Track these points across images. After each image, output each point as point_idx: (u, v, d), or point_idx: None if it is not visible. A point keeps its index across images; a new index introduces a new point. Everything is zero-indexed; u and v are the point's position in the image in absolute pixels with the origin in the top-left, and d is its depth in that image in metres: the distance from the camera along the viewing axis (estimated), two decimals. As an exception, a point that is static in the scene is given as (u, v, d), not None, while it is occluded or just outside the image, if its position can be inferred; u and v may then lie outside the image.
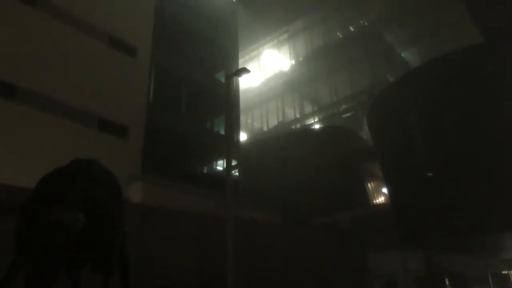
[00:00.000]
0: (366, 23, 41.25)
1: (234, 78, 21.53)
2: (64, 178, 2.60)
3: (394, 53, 40.02)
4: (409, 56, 40.73)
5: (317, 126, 40.42)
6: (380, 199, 30.85)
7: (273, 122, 44.83)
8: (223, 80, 25.03)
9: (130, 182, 14.47)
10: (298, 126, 42.73)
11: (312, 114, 42.90)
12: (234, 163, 23.91)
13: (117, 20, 18.02)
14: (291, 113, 44.33)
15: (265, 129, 45.28)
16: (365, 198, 28.96)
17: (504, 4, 15.77)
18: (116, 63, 17.34)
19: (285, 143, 30.11)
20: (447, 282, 20.32)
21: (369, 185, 30.69)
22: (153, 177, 15.58)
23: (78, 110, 15.08)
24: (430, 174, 19.78)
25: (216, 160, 25.47)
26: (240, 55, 31.02)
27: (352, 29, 42.49)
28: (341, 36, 42.78)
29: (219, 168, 25.66)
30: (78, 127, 14.87)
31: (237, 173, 25.39)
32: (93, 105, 15.61)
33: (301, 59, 44.49)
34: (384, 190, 29.69)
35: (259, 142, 35.65)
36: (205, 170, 25.72)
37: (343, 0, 41.12)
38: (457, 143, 17.85)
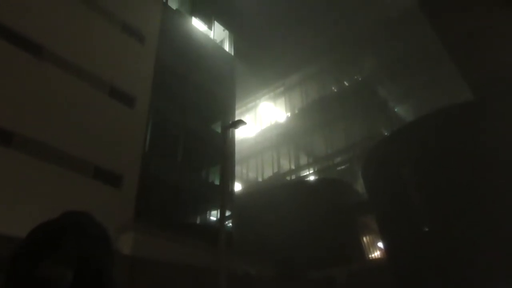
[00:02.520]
0: (360, 78, 42.53)
1: (231, 129, 21.88)
2: (54, 232, 2.57)
3: (388, 107, 40.95)
4: (403, 110, 41.69)
5: (312, 178, 40.41)
6: (376, 254, 30.25)
7: (268, 173, 44.82)
8: (219, 130, 25.39)
9: (121, 232, 14.23)
10: (293, 177, 42.71)
11: (307, 166, 43.03)
12: (228, 213, 23.67)
13: (117, 71, 18.52)
14: (286, 164, 44.44)
15: (260, 179, 45.17)
16: (360, 252, 28.41)
17: (491, 62, 16.42)
18: (114, 112, 17.63)
19: (280, 194, 29.95)
20: None
21: (364, 239, 30.22)
22: (145, 227, 15.35)
23: (73, 157, 15.12)
24: (426, 229, 19.63)
25: (210, 210, 25.22)
26: (237, 106, 31.64)
27: (346, 83, 43.73)
28: (335, 90, 43.93)
29: (213, 218, 25.34)
30: (72, 175, 14.82)
31: (230, 224, 25.04)
32: (88, 153, 15.66)
33: (296, 111, 45.34)
34: (380, 244, 29.19)
35: (254, 193, 35.40)
36: (198, 220, 25.37)
37: (337, 57, 42.64)
38: (452, 197, 17.87)
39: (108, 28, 19.00)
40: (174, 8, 26.34)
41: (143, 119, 18.96)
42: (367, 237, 30.43)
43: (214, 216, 25.22)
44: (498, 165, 16.94)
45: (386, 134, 35.99)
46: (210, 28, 29.73)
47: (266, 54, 43.81)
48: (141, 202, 16.84)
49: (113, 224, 13.85)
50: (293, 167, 43.88)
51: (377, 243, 30.42)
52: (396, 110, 41.84)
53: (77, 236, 2.58)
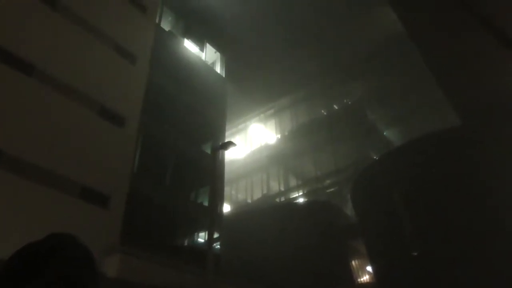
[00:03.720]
0: (349, 102, 43.09)
1: (221, 150, 21.85)
2: (39, 255, 2.52)
3: (377, 131, 41.39)
4: (391, 134, 42.16)
5: (301, 200, 40.32)
6: (365, 278, 30.00)
7: (258, 194, 44.64)
8: (209, 151, 25.34)
9: (107, 254, 13.95)
10: (282, 199, 42.58)
11: (296, 188, 43.00)
12: (216, 235, 23.39)
13: (108, 90, 18.50)
14: (275, 186, 44.36)
15: (249, 201, 44.94)
16: (349, 276, 28.16)
17: (478, 89, 16.76)
18: (104, 132, 17.52)
19: (269, 216, 29.78)
20: None
21: (353, 262, 30.02)
22: (132, 249, 15.07)
23: (60, 177, 14.90)
24: (415, 254, 19.59)
25: (198, 232, 24.91)
26: (227, 127, 31.71)
27: (336, 107, 44.24)
28: (325, 113, 44.38)
29: (201, 240, 25.01)
30: (58, 195, 14.58)
31: (219, 246, 24.73)
32: (75, 173, 15.46)
33: (286, 133, 45.57)
34: (369, 268, 29.00)
35: (243, 214, 35.15)
36: (186, 242, 25.00)
37: (327, 81, 43.24)
38: (441, 222, 17.95)
39: (100, 47, 19.08)
40: (167, 30, 26.64)
41: (133, 139, 18.84)
42: (356, 261, 30.24)
43: (202, 238, 24.91)
44: (485, 190, 17.12)
45: (375, 157, 36.25)
46: (202, 50, 30.04)
47: (257, 77, 44.24)
48: (128, 224, 16.58)
49: (99, 246, 13.59)
50: (282, 189, 43.81)
51: (365, 267, 30.21)
52: (385, 134, 42.30)
53: (62, 259, 2.53)
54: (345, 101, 43.69)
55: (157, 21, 24.78)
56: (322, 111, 44.74)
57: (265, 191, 44.07)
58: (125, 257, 14.32)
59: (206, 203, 24.19)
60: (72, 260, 2.55)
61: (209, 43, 31.00)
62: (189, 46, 28.42)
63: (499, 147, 17.44)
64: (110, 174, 16.79)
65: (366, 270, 30.22)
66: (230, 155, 43.62)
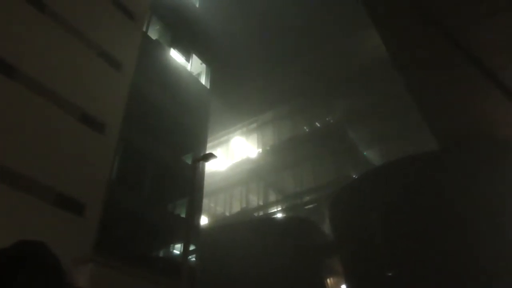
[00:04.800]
0: (331, 121, 43.58)
1: (201, 162, 21.72)
2: (6, 263, 2.44)
3: (357, 151, 41.89)
4: (371, 155, 42.73)
5: (280, 215, 40.27)
6: (339, 297, 30.00)
7: (236, 207, 44.41)
8: (190, 162, 25.15)
9: (80, 263, 13.58)
10: (261, 213, 42.44)
11: (275, 203, 42.96)
12: (192, 248, 23.08)
13: (90, 95, 18.25)
14: (254, 200, 44.23)
15: (228, 214, 44.64)
16: (324, 294, 28.12)
17: (457, 115, 17.17)
18: (82, 138, 17.20)
19: (248, 231, 29.58)
20: None
21: (328, 280, 30.01)
22: (105, 259, 14.71)
23: (34, 181, 14.51)
24: (390, 274, 19.71)
25: (174, 244, 24.53)
26: (209, 139, 31.59)
27: (318, 124, 44.66)
28: (307, 130, 44.73)
29: (177, 252, 24.63)
30: (32, 200, 14.17)
31: (194, 259, 24.39)
32: (50, 178, 15.09)
33: (268, 148, 45.67)
34: (343, 287, 29.02)
35: (221, 227, 34.85)
36: (161, 254, 24.57)
37: (310, 98, 43.72)
38: (416, 243, 18.15)
39: (85, 52, 18.88)
40: (154, 38, 26.58)
41: (112, 147, 18.56)
42: (331, 279, 30.24)
43: (178, 250, 24.53)
44: (459, 216, 17.45)
45: (354, 176, 36.61)
46: (188, 60, 30.03)
47: (241, 90, 44.48)
48: (102, 233, 16.20)
49: (71, 254, 13.23)
50: (261, 203, 43.70)
51: (340, 285, 30.24)
52: (365, 154, 42.83)
53: (30, 268, 2.44)
54: (327, 119, 44.17)
55: (144, 29, 24.72)
56: (305, 127, 45.10)
57: (244, 205, 43.88)
58: (97, 267, 13.97)
59: (183, 215, 23.90)
60: (41, 268, 2.48)
61: (195, 54, 31.03)
62: (175, 56, 28.39)
63: (474, 174, 17.87)
64: (86, 181, 16.45)
65: (341, 288, 30.25)
66: (210, 167, 43.42)
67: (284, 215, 40.03)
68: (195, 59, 31.05)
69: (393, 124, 39.71)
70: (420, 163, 19.90)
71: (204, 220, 41.50)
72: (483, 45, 13.13)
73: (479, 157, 18.17)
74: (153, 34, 26.94)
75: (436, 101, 16.42)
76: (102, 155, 17.84)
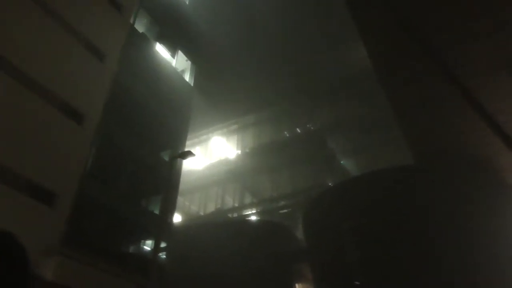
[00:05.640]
0: (312, 128, 43.94)
1: (179, 159, 21.58)
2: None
3: (335, 159, 42.33)
4: (348, 164, 43.25)
5: (254, 218, 40.32)
6: (307, 302, 30.21)
7: (211, 207, 44.24)
8: (167, 159, 24.94)
9: (47, 255, 13.26)
10: (235, 215, 42.41)
11: (250, 206, 42.99)
12: (163, 245, 22.88)
13: (71, 85, 17.91)
14: (230, 201, 44.17)
15: (202, 213, 44.43)
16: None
17: (435, 132, 17.55)
18: (60, 128, 16.84)
19: (221, 232, 29.50)
20: None
21: (297, 286, 30.19)
22: (73, 252, 14.42)
23: (5, 168, 14.11)
24: (358, 283, 19.97)
25: (145, 240, 24.26)
26: (189, 137, 31.40)
27: (299, 130, 44.95)
28: (288, 135, 44.97)
29: (148, 248, 24.35)
30: (1, 187, 13.75)
31: (164, 256, 24.17)
32: (22, 165, 14.70)
33: (247, 150, 45.70)
34: (312, 293, 29.28)
35: (194, 226, 34.66)
36: (131, 250, 24.25)
37: (293, 104, 43.99)
38: (385, 254, 18.45)
39: (68, 40, 18.52)
40: (141, 31, 26.28)
41: (89, 138, 18.22)
42: (300, 285, 30.43)
43: (149, 246, 24.26)
44: (428, 229, 17.85)
45: (330, 185, 37.00)
46: (173, 56, 29.83)
47: (225, 91, 44.39)
48: (73, 225, 15.87)
49: (40, 246, 12.92)
50: (236, 204, 43.67)
51: (309, 291, 30.49)
52: (342, 163, 43.31)
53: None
54: (308, 125, 44.52)
55: (131, 21, 24.42)
56: (285, 132, 45.34)
57: (219, 205, 43.76)
58: (65, 260, 13.67)
59: (157, 211, 23.66)
60: (6, 259, 2.45)
61: (181, 50, 30.83)
62: (161, 51, 28.15)
63: (446, 190, 18.33)
64: (60, 172, 16.11)
65: (309, 295, 30.46)
66: (188, 165, 43.14)
67: (259, 218, 40.09)
68: (180, 55, 30.84)
69: (373, 136, 40.31)
70: (395, 176, 20.29)
71: (177, 218, 41.19)
72: (463, 65, 13.52)
73: (452, 174, 18.65)
74: (140, 27, 26.64)
75: (415, 117, 16.78)
76: (78, 146, 17.50)
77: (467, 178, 18.46)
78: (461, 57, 13.34)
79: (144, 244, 24.89)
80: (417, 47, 12.88)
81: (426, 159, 19.09)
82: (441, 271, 16.95)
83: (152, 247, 21.87)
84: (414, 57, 13.50)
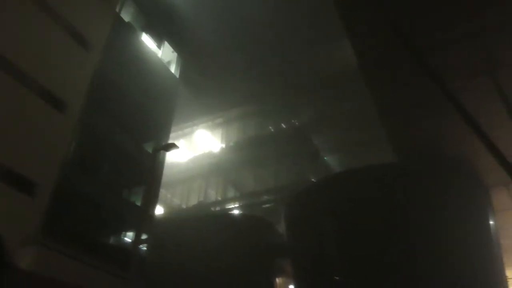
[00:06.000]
0: (297, 123, 44.06)
1: (162, 151, 21.44)
2: None
3: (319, 155, 42.61)
4: (332, 161, 43.61)
5: (236, 212, 40.39)
6: (286, 296, 30.51)
7: (194, 201, 44.12)
8: (150, 150, 24.76)
9: (26, 244, 13.05)
10: (218, 208, 42.39)
11: (233, 200, 43.00)
12: (144, 237, 22.77)
13: (53, 72, 17.56)
14: (213, 195, 44.12)
15: (184, 206, 44.28)
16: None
17: (418, 131, 17.81)
18: (41, 115, 16.51)
19: (203, 225, 29.45)
20: None
21: (277, 280, 30.40)
22: (51, 242, 14.22)
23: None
24: (337, 278, 20.22)
25: (126, 232, 24.09)
26: (173, 129, 31.18)
27: (284, 126, 45.05)
28: (272, 130, 45.02)
29: (128, 240, 24.20)
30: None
31: (145, 248, 24.07)
32: (1, 154, 14.37)
33: (231, 144, 45.62)
34: (291, 287, 29.54)
35: (176, 219, 34.55)
36: (111, 241, 24.06)
37: (278, 99, 44.00)
38: (365, 251, 18.73)
39: (52, 26, 18.11)
40: (126, 21, 25.89)
41: (71, 127, 17.91)
42: (280, 279, 30.66)
43: (129, 238, 24.12)
44: (411, 228, 18.17)
45: (313, 180, 37.27)
46: (159, 47, 29.51)
47: (211, 84, 44.12)
48: (53, 215, 15.63)
49: (18, 235, 12.71)
50: (219, 198, 43.64)
51: (288, 286, 30.74)
52: (326, 159, 43.63)
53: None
54: (293, 121, 44.62)
55: (117, 10, 24.03)
56: (270, 127, 45.38)
57: (201, 199, 43.67)
58: (44, 250, 13.48)
59: (139, 203, 23.51)
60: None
61: (168, 41, 30.52)
62: (147, 41, 27.81)
63: (425, 189, 18.66)
64: (40, 160, 15.83)
65: (289, 289, 30.76)
66: (171, 158, 42.84)
67: (241, 212, 40.17)
68: (167, 46, 30.54)
69: (357, 133, 40.68)
70: (377, 174, 20.52)
71: (160, 211, 40.98)
72: (447, 68, 13.75)
73: (432, 174, 18.98)
74: (126, 16, 26.25)
75: (398, 116, 17.00)
76: (59, 134, 17.20)
77: (446, 178, 18.82)
78: (445, 59, 13.55)
79: (125, 236, 24.72)
80: (402, 47, 13.02)
81: (408, 158, 19.38)
82: (416, 268, 17.31)
83: (133, 239, 21.74)
84: (400, 57, 13.65)
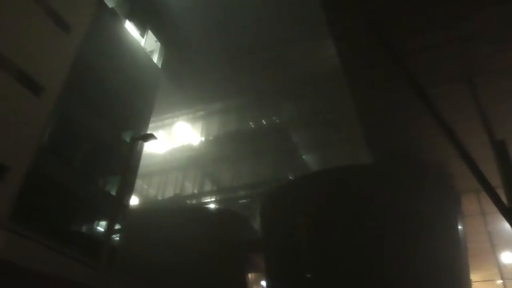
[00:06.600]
0: (277, 120, 44.22)
1: (140, 141, 21.19)
2: None
3: (297, 153, 42.90)
4: (310, 159, 43.95)
5: (212, 206, 40.35)
6: (258, 292, 30.71)
7: (170, 193, 43.83)
8: (128, 140, 24.44)
9: (-9, 228, 12.74)
10: (194, 201, 42.26)
11: (210, 193, 42.93)
12: (118, 227, 22.51)
13: (32, 55, 17.10)
14: (189, 188, 43.92)
15: (160, 198, 43.95)
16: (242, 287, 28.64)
17: (394, 135, 18.12)
18: (17, 99, 16.07)
19: (178, 217, 29.33)
20: None
21: (249, 275, 30.55)
22: (21, 228, 13.89)
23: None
24: (309, 275, 20.45)
25: (99, 221, 23.73)
26: (152, 119, 30.88)
27: (264, 122, 45.14)
28: (253, 126, 45.06)
29: (101, 229, 23.85)
30: None
31: (118, 238, 23.79)
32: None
33: (211, 138, 45.48)
34: (263, 283, 29.72)
35: (151, 210, 34.30)
36: (84, 230, 23.67)
37: (260, 96, 44.02)
38: (336, 250, 19.01)
39: (32, 8, 17.61)
40: (110, 6, 25.40)
41: (47, 112, 17.51)
42: (252, 274, 30.82)
43: (102, 227, 23.77)
44: (381, 229, 18.52)
45: (290, 178, 37.51)
46: (142, 36, 29.10)
47: (193, 76, 43.73)
48: (23, 200, 15.27)
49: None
50: (196, 191, 43.49)
51: (260, 281, 30.93)
52: (304, 157, 43.95)
53: None
54: (273, 118, 44.75)
55: (101, -6, 23.57)
56: (250, 123, 45.41)
57: (177, 191, 43.43)
58: (11, 235, 13.17)
59: (114, 193, 23.19)
60: None
61: (151, 31, 30.13)
62: (130, 29, 27.37)
63: (398, 192, 19.05)
64: (13, 144, 15.43)
65: (261, 284, 30.93)
66: (149, 149, 42.42)
67: (217, 206, 40.15)
68: (150, 35, 30.14)
69: (335, 133, 41.09)
70: (352, 174, 20.83)
71: (135, 201, 40.58)
72: (425, 73, 14.03)
73: (406, 177, 19.39)
74: (110, 2, 25.75)
75: (376, 118, 17.25)
76: (34, 119, 16.80)
77: (418, 182, 19.25)
78: (423, 65, 13.81)
79: (98, 225, 24.36)
80: (384, 52, 13.20)
81: (383, 160, 19.71)
82: (384, 268, 17.70)
83: (106, 229, 21.44)
84: (381, 60, 13.84)
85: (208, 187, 44.04)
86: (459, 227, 19.83)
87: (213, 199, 42.14)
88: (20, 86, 16.28)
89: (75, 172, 20.12)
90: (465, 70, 14.02)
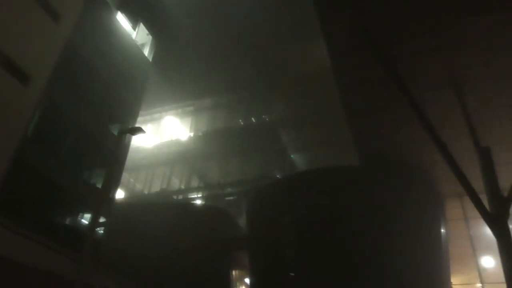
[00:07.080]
0: (267, 119, 44.27)
1: (128, 134, 21.03)
2: None
3: (286, 153, 43.01)
4: (297, 159, 44.10)
5: (199, 202, 40.29)
6: (241, 289, 30.79)
7: (156, 187, 43.64)
8: (116, 133, 24.23)
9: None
10: (180, 197, 42.14)
11: (196, 189, 42.86)
12: (102, 220, 22.34)
13: (20, 42, 16.82)
14: (176, 183, 43.77)
15: (146, 192, 43.73)
16: (227, 285, 28.66)
17: (380, 138, 18.27)
18: (3, 86, 15.79)
19: (164, 213, 29.20)
20: None
21: (233, 272, 30.60)
22: (3, 220, 13.70)
23: None
24: (293, 274, 20.55)
25: (84, 214, 23.50)
26: (141, 113, 30.65)
27: (254, 120, 45.15)
28: (242, 123, 45.05)
29: (86, 222, 23.63)
30: None
31: (102, 231, 23.60)
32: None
33: (200, 134, 45.36)
34: (247, 280, 29.80)
35: (137, 204, 34.10)
36: (68, 222, 23.41)
37: (251, 93, 44.01)
38: (321, 249, 19.13)
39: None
40: (102, -3, 25.11)
41: (34, 102, 17.24)
42: (236, 271, 30.88)
43: (87, 220, 23.55)
44: (364, 230, 18.68)
45: (277, 177, 37.61)
46: (134, 28, 28.84)
47: (184, 71, 43.51)
48: (7, 191, 15.03)
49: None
50: (183, 187, 43.37)
51: (244, 278, 31.00)
52: (292, 157, 44.08)
53: None
54: (263, 116, 44.79)
55: (93, -16, 23.26)
56: (240, 120, 45.39)
57: (164, 186, 43.25)
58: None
59: (99, 185, 22.97)
60: None
61: (143, 23, 29.87)
62: (122, 20, 27.09)
63: (384, 194, 19.21)
64: (-3, 133, 15.18)
65: (244, 281, 31.00)
66: (137, 142, 42.16)
67: (203, 203, 40.10)
68: (142, 28, 29.89)
69: (325, 133, 41.25)
70: (339, 175, 20.95)
71: (120, 195, 40.30)
72: (414, 78, 14.15)
73: (392, 179, 19.56)
74: (101, -8, 25.45)
75: (364, 120, 17.35)
76: (20, 108, 16.53)
77: (402, 185, 19.44)
78: (412, 70, 13.93)
79: (83, 218, 24.13)
80: (375, 54, 13.28)
81: (370, 162, 19.84)
82: (370, 269, 17.86)
83: (90, 221, 21.26)
84: (371, 64, 13.91)
85: (195, 183, 43.96)
86: (442, 230, 20.09)
87: (200, 195, 42.10)
88: (6, 74, 16.01)
89: (60, 164, 19.88)
90: (452, 76, 14.17)
